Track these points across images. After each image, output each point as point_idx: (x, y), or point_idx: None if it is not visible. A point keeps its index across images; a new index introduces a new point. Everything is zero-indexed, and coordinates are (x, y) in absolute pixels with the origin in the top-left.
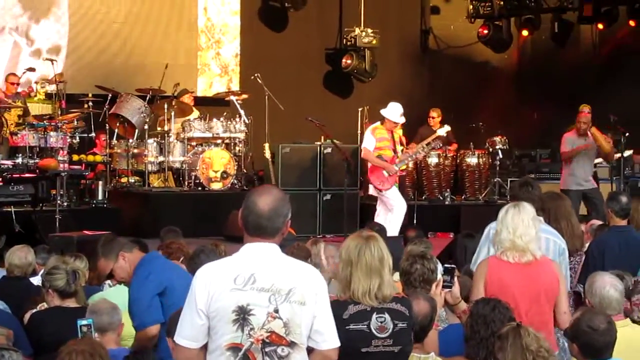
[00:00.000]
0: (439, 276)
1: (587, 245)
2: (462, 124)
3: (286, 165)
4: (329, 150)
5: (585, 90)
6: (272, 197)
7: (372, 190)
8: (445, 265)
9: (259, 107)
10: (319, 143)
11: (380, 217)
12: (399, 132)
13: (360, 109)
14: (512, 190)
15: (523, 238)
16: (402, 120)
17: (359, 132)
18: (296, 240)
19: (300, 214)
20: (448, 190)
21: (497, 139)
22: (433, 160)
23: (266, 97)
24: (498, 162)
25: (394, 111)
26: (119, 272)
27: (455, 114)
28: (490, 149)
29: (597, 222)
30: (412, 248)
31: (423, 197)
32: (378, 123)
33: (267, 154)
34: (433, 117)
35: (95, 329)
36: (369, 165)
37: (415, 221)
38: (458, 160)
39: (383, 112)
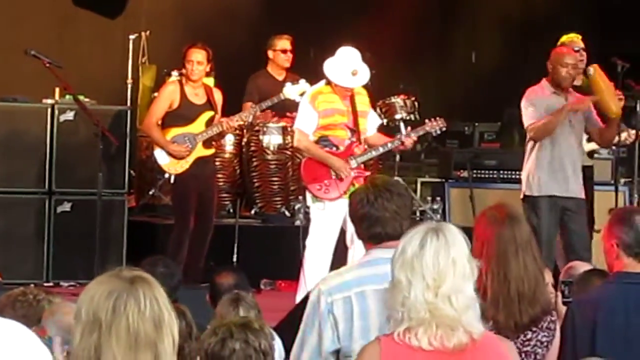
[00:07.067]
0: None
1: (561, 310)
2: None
3: None
4: (69, 115)
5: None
6: None
7: (310, 201)
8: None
9: None
10: (50, 102)
11: (315, 248)
12: (362, 99)
13: (132, 37)
14: (350, 204)
15: (453, 300)
16: (358, 82)
17: (129, 80)
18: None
19: (11, 239)
20: (301, 198)
21: (398, 100)
22: (273, 139)
23: None
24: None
25: (340, 65)
26: None
27: (320, 46)
28: (385, 120)
29: (581, 266)
30: (224, 311)
31: (252, 212)
32: (322, 83)
33: None
34: (280, 52)
35: None
36: (304, 158)
37: (235, 257)
38: None
39: (326, 68)
